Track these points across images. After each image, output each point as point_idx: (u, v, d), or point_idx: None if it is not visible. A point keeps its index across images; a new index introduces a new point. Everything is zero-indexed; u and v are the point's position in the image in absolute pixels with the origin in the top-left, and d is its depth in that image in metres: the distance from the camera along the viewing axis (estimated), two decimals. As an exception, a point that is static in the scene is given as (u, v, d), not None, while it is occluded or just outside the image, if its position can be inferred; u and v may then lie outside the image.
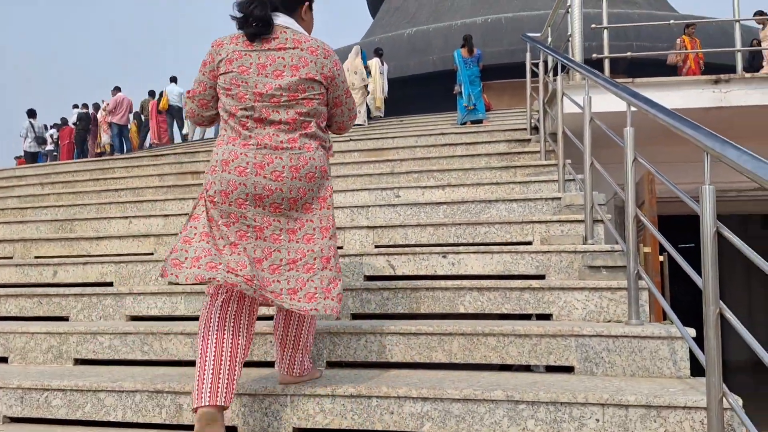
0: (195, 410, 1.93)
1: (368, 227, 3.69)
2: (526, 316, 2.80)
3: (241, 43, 2.14)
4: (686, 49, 11.71)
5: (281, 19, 2.16)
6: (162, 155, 6.77)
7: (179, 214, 4.43)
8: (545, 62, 5.02)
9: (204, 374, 1.97)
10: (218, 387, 1.95)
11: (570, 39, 4.74)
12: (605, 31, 4.62)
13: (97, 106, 16.65)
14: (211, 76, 2.18)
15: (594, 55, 4.49)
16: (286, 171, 2.07)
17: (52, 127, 18.54)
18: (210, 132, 15.66)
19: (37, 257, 4.22)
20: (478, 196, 4.23)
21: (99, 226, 4.61)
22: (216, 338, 2.01)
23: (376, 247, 3.66)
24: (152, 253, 3.98)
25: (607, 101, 4.26)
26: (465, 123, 10.74)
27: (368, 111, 12.91)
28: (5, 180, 6.90)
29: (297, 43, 2.14)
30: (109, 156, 16.09)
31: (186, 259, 2.08)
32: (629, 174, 2.52)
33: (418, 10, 24.84)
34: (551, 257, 3.08)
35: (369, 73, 12.76)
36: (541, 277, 3.09)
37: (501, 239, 3.50)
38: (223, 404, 1.93)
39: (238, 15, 2.13)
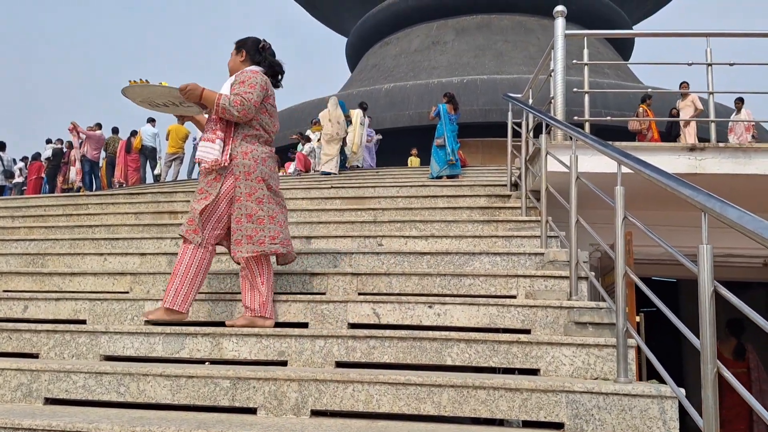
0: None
1: (352, 274, 3.67)
2: (512, 370, 2.79)
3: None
4: (645, 114, 12.29)
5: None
6: (137, 194, 6.67)
7: (157, 253, 4.34)
8: (527, 122, 5.18)
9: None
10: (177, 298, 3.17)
11: (552, 101, 4.91)
12: (586, 96, 4.81)
13: (70, 144, 16.41)
14: (263, 98, 3.34)
15: (575, 117, 4.65)
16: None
17: (21, 160, 18.18)
18: (183, 173, 15.56)
19: (5, 291, 4.05)
20: (462, 248, 4.26)
21: (72, 262, 4.47)
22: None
23: (360, 294, 3.63)
24: (128, 292, 3.86)
25: (592, 161, 4.42)
26: (441, 177, 10.93)
27: (342, 161, 13.04)
28: (-28, 211, 6.69)
29: None
30: (77, 193, 15.83)
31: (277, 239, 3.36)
32: (619, 232, 2.57)
33: (396, 67, 25.53)
34: (537, 312, 3.09)
35: (349, 122, 12.96)
36: (527, 331, 3.10)
37: (486, 292, 3.51)
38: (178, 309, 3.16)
39: (278, 70, 3.53)
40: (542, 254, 3.85)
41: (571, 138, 3.53)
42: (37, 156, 17.41)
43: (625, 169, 2.65)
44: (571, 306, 3.05)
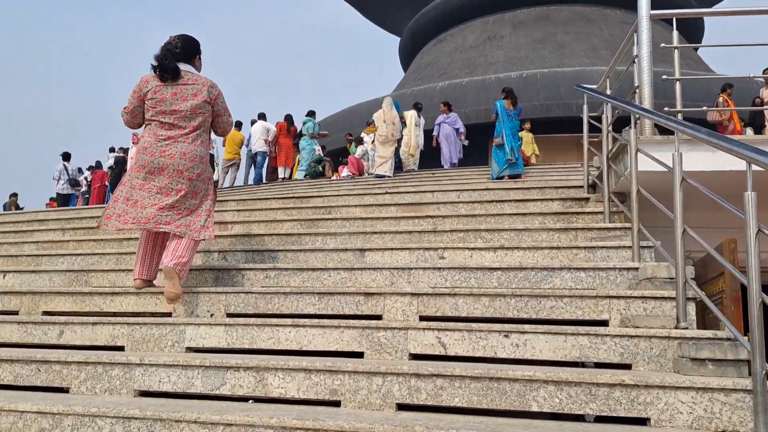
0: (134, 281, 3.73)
1: (412, 294, 3.22)
2: (613, 419, 2.28)
3: (157, 79, 3.70)
4: (725, 104, 11.31)
5: (183, 66, 3.73)
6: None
7: (203, 269, 4.03)
8: (607, 116, 4.60)
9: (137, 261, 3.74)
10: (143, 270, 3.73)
11: (637, 91, 4.32)
12: (677, 84, 4.20)
13: (126, 150, 16.68)
14: (138, 99, 3.72)
15: (666, 108, 4.06)
16: (178, 155, 3.62)
17: (87, 170, 18.66)
18: (239, 179, 15.53)
19: (45, 312, 3.82)
20: (538, 262, 3.76)
21: (116, 279, 4.22)
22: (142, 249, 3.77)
23: (422, 318, 3.19)
24: (170, 314, 3.55)
25: (697, 158, 3.83)
26: (502, 177, 10.34)
27: (398, 163, 12.61)
28: (27, 224, 6.63)
29: (195, 81, 3.74)
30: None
31: (112, 215, 3.69)
32: (752, 248, 2.03)
33: (451, 64, 24.92)
34: (639, 343, 2.57)
35: (403, 123, 12.51)
36: (627, 366, 2.58)
37: (571, 316, 3.00)
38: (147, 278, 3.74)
39: (156, 64, 3.68)
40: (635, 269, 3.29)
41: (671, 132, 2.97)
42: (99, 165, 17.81)
43: (756, 168, 2.10)
44: (681, 336, 2.51)
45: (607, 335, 2.61)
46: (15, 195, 20.79)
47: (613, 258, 3.69)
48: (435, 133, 13.68)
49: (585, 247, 3.75)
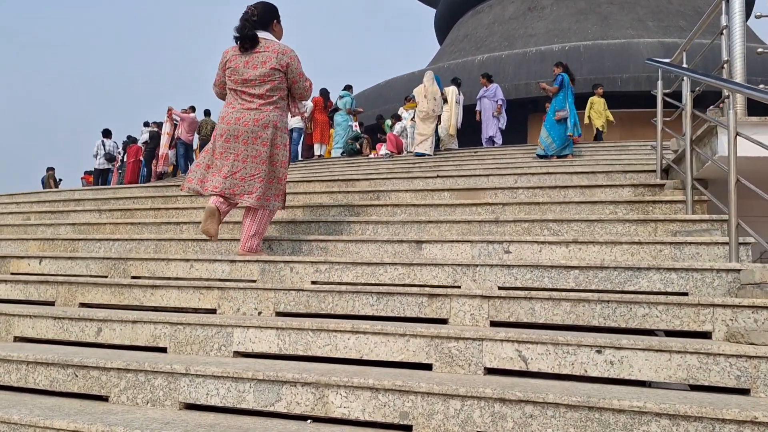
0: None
1: (482, 296, 2.89)
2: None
3: (237, 50, 3.84)
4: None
5: (261, 33, 3.84)
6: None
7: (248, 260, 3.75)
8: (689, 93, 4.13)
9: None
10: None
11: (726, 65, 3.85)
12: (776, 57, 3.72)
13: (160, 126, 16.56)
14: (222, 70, 3.92)
15: (762, 86, 3.60)
16: (251, 121, 3.77)
17: (122, 145, 18.67)
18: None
19: (82, 304, 3.61)
20: (617, 259, 3.38)
21: (156, 269, 3.98)
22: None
23: (493, 324, 2.85)
24: (215, 311, 3.29)
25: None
26: (548, 156, 9.86)
27: (437, 141, 12.18)
28: (63, 203, 6.46)
29: (266, 48, 3.81)
30: (173, 177, 16.00)
31: (194, 179, 3.90)
32: None
33: (489, 37, 24.15)
34: (760, 365, 2.19)
35: (444, 100, 12.05)
36: (745, 391, 2.21)
37: (667, 326, 2.63)
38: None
39: (237, 35, 3.81)
40: (736, 271, 2.90)
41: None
42: (133, 139, 17.76)
43: None
44: (815, 361, 2.12)
45: (720, 354, 2.24)
46: (52, 169, 20.98)
47: (704, 255, 3.29)
48: (478, 107, 13.20)
49: (670, 243, 3.35)
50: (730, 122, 3.11)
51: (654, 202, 4.10)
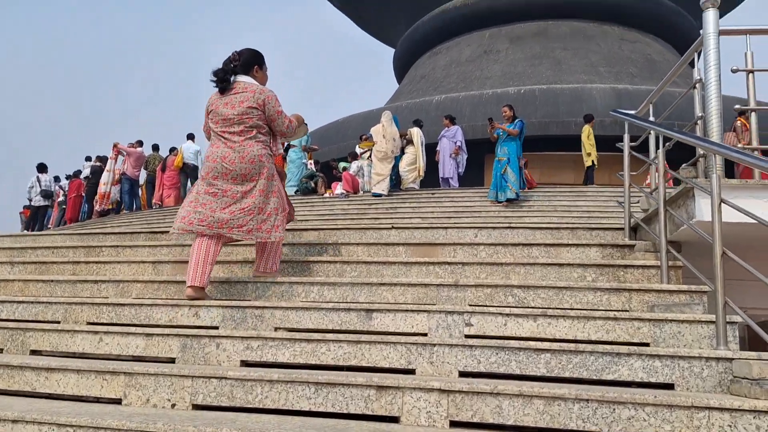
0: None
1: (440, 390, 2.43)
2: None
3: (217, 94, 4.01)
4: (746, 131, 10.68)
5: (241, 78, 4.03)
6: (162, 232, 5.62)
7: (167, 334, 3.21)
8: (661, 149, 3.84)
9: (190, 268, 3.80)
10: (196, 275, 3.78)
11: (701, 122, 3.59)
12: (753, 115, 3.48)
13: (103, 159, 15.77)
14: (206, 115, 4.06)
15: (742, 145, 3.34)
16: (237, 159, 3.88)
17: (66, 178, 17.70)
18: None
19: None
20: (590, 337, 2.99)
21: (60, 342, 3.39)
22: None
23: (453, 424, 2.40)
24: (120, 401, 2.73)
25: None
26: (502, 201, 9.65)
27: (393, 180, 11.84)
28: (-28, 251, 5.75)
29: (245, 89, 3.97)
30: (116, 214, 15.17)
31: (178, 218, 3.95)
32: None
33: (446, 78, 24.29)
34: (777, 497, 1.80)
35: (408, 141, 11.79)
36: None
37: (656, 431, 2.23)
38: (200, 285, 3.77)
39: (212, 78, 3.99)
40: (728, 360, 2.53)
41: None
42: (77, 173, 16.88)
43: None
44: None
45: (728, 482, 1.83)
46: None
47: (687, 335, 2.93)
48: (438, 147, 13.00)
49: (649, 320, 2.99)
50: (714, 188, 2.79)
51: (625, 266, 3.76)
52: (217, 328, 3.53)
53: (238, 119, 3.90)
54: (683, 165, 3.78)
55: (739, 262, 2.68)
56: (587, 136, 12.97)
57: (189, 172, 14.71)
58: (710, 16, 3.53)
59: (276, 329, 3.44)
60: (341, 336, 2.97)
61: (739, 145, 10.77)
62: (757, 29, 3.52)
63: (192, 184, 15.10)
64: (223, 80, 3.94)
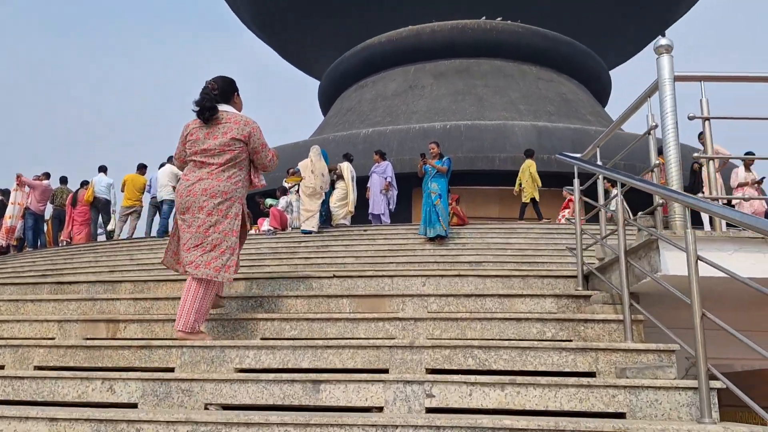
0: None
1: (412, 486, 2.07)
2: None
3: (198, 122, 3.91)
4: (663, 168, 11.13)
5: (222, 107, 3.95)
6: (70, 283, 4.96)
7: (75, 418, 2.66)
8: (622, 200, 3.71)
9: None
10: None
11: (658, 169, 3.49)
12: (710, 163, 3.42)
13: (6, 192, 14.49)
14: (182, 144, 3.98)
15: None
16: (200, 191, 3.77)
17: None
18: (141, 230, 13.75)
19: None
20: (565, 406, 2.72)
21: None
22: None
23: None
24: None
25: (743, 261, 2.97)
26: (432, 237, 9.51)
27: (324, 216, 11.47)
28: None
29: (228, 119, 3.89)
30: (19, 251, 13.86)
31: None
32: None
33: (373, 111, 24.34)
34: None
35: (338, 176, 11.46)
36: None
37: None
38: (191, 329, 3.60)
39: (196, 108, 3.89)
40: (719, 436, 2.32)
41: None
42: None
43: None
44: None
45: None
46: None
47: (664, 403, 2.72)
48: (369, 183, 12.75)
49: (624, 387, 2.76)
50: (689, 244, 2.62)
51: (585, 321, 3.56)
52: (136, 405, 3.01)
53: (219, 150, 3.81)
54: (639, 213, 3.66)
55: (720, 324, 2.51)
56: (530, 171, 13.12)
57: (100, 207, 13.71)
58: (665, 62, 3.46)
59: (207, 406, 2.96)
60: (287, 417, 2.55)
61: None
62: (712, 76, 3.48)
63: (103, 220, 14.08)
64: (210, 110, 3.82)
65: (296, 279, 4.70)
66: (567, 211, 13.00)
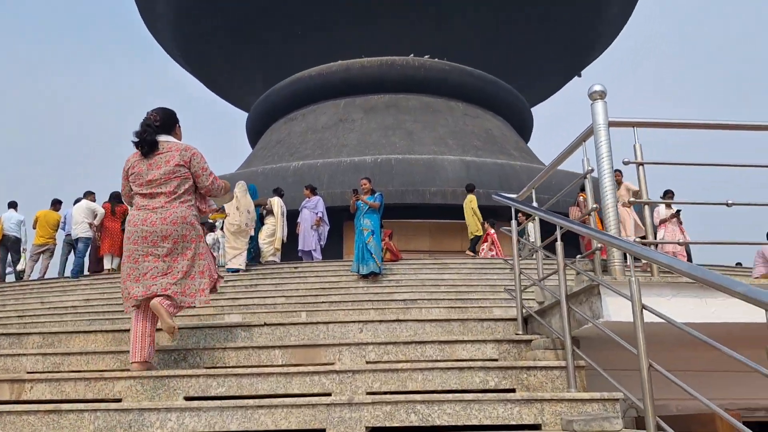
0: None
1: None
2: None
3: (138, 155, 3.91)
4: (585, 204, 11.51)
5: (163, 137, 3.94)
6: (-35, 337, 4.43)
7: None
8: (561, 243, 3.68)
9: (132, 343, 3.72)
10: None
11: (595, 214, 3.50)
12: (646, 208, 3.45)
13: None
14: (125, 179, 3.96)
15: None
16: (159, 220, 3.78)
17: None
18: (53, 271, 12.83)
19: None
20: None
21: None
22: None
23: None
24: None
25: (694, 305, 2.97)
26: (365, 274, 9.36)
27: (252, 254, 11.10)
28: None
29: (168, 148, 3.90)
30: None
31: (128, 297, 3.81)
32: None
33: (302, 144, 24.14)
34: None
35: (268, 211, 11.14)
36: None
37: None
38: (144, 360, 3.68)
39: (136, 140, 3.88)
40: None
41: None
42: None
43: None
44: None
45: None
46: None
47: (614, 456, 2.64)
48: (299, 219, 12.47)
49: (574, 440, 2.66)
50: (634, 293, 2.59)
51: (528, 368, 3.48)
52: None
53: (165, 179, 3.81)
54: (578, 256, 3.65)
55: (667, 375, 2.47)
56: (471, 205, 13.21)
57: (10, 245, 12.73)
58: (599, 107, 3.51)
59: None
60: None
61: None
62: (644, 122, 3.55)
63: (13, 259, 13.08)
64: (150, 143, 3.82)
65: (223, 328, 4.40)
66: (486, 244, 13.31)
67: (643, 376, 2.50)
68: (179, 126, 4.09)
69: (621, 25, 32.39)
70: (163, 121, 3.93)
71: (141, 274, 3.75)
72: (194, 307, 3.83)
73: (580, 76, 32.97)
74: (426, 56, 25.93)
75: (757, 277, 9.44)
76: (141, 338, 3.72)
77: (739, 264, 21.13)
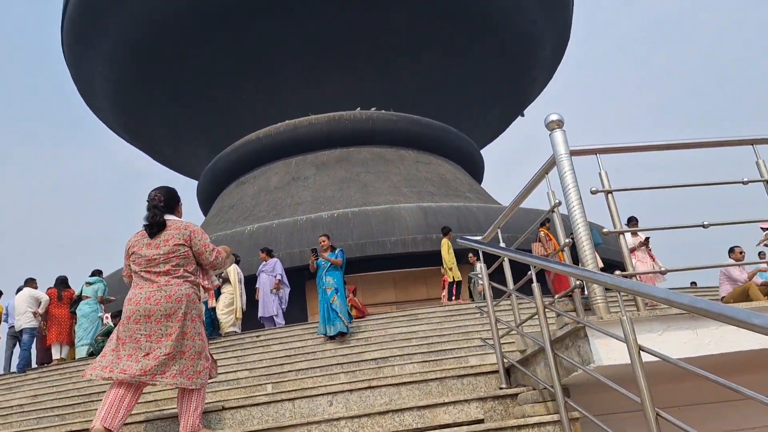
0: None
1: None
2: None
3: (140, 235, 3.96)
4: (550, 241, 11.43)
5: (167, 217, 3.97)
6: None
7: None
8: (538, 285, 3.41)
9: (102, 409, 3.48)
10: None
11: (568, 249, 3.26)
12: (621, 236, 3.24)
13: None
14: (127, 260, 3.96)
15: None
16: (163, 299, 3.73)
17: None
18: (12, 366, 11.85)
19: None
20: None
21: None
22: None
23: None
24: None
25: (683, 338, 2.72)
26: (333, 335, 8.91)
27: (209, 327, 10.50)
28: None
29: (169, 227, 3.91)
30: None
31: (98, 366, 3.66)
32: None
33: (256, 206, 23.70)
34: None
35: (225, 280, 10.61)
36: None
37: None
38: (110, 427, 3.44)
39: (147, 223, 3.91)
40: None
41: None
42: None
43: None
44: None
45: None
46: None
47: None
48: (257, 284, 11.94)
49: None
50: (629, 334, 2.32)
51: (519, 427, 3.14)
52: None
53: (165, 258, 3.82)
54: (557, 296, 3.39)
55: (677, 423, 2.18)
56: (447, 250, 12.84)
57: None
58: (559, 137, 3.32)
59: None
60: None
61: (544, 252, 11.40)
62: (607, 148, 3.38)
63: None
64: (160, 225, 3.86)
65: (174, 418, 3.92)
66: (445, 291, 13.35)
67: (651, 428, 2.20)
68: (181, 204, 4.14)
69: (555, 65, 33.59)
70: (167, 201, 3.99)
71: (143, 354, 3.62)
72: (196, 387, 3.67)
73: (523, 115, 33.83)
74: (373, 108, 26.16)
75: (723, 296, 9.41)
76: (117, 403, 3.52)
77: (693, 283, 21.37)
